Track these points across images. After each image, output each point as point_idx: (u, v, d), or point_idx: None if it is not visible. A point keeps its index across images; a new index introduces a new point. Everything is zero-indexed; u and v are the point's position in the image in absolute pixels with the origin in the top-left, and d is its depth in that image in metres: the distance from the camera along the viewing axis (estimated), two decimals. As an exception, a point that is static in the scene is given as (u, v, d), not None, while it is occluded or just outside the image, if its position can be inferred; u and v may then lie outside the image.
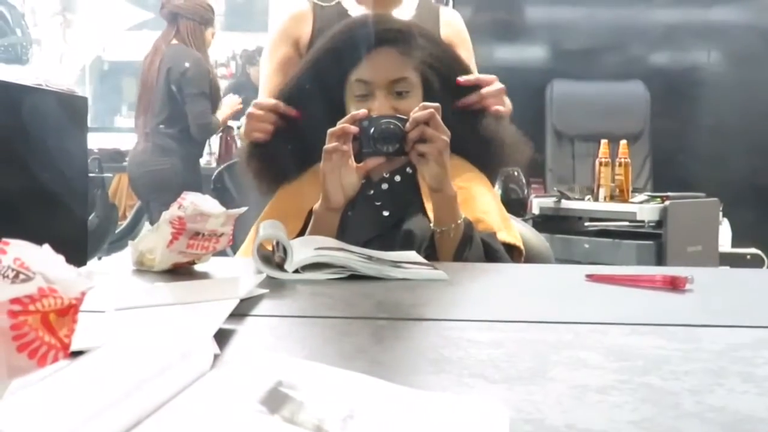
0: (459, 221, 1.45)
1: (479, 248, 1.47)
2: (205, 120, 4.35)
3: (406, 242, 1.48)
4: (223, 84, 5.52)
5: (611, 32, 5.42)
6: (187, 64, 4.33)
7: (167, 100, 4.36)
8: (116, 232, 4.76)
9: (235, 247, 1.59)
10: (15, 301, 0.55)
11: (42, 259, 0.57)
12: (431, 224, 1.49)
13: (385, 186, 1.58)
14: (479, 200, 1.60)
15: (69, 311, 0.58)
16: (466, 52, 1.87)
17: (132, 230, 4.83)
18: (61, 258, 0.58)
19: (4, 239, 0.57)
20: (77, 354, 0.58)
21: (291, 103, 1.60)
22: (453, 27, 1.93)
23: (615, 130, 4.41)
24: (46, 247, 0.58)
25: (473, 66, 1.87)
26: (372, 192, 1.57)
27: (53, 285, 0.56)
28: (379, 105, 1.50)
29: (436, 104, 1.44)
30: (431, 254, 1.44)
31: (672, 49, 5.51)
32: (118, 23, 8.77)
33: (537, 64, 5.48)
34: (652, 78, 5.25)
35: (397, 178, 1.59)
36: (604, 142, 3.63)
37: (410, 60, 1.55)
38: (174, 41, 4.42)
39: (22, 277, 0.55)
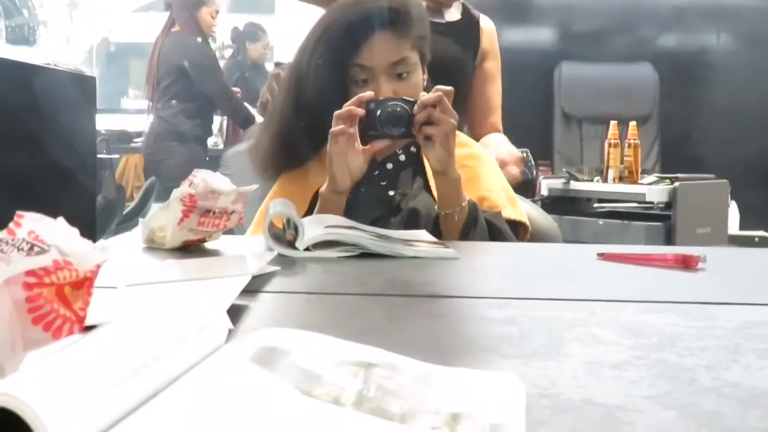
0: (464, 203, 1.45)
1: (484, 229, 1.47)
2: (228, 95, 4.45)
3: (412, 221, 1.48)
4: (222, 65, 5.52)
5: (620, 14, 5.39)
6: (185, 55, 4.41)
7: (166, 87, 4.46)
8: (124, 213, 4.77)
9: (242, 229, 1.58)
10: (30, 273, 0.55)
11: (56, 232, 0.57)
12: (436, 205, 1.48)
13: (390, 165, 1.58)
14: (484, 178, 1.59)
15: (84, 284, 0.57)
16: (495, 63, 2.06)
17: (140, 211, 4.83)
18: (75, 231, 0.58)
19: (18, 212, 0.57)
20: (91, 329, 0.58)
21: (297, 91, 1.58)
22: (491, 38, 2.13)
23: (623, 112, 4.40)
24: (61, 220, 0.58)
25: (498, 76, 2.13)
26: (377, 172, 1.57)
27: (68, 258, 0.56)
28: (381, 89, 1.48)
29: (449, 87, 1.43)
30: (436, 235, 1.43)
31: (681, 31, 5.48)
32: (124, 4, 8.76)
33: (545, 46, 5.46)
34: (661, 60, 5.23)
35: (402, 157, 1.59)
36: (613, 123, 3.62)
37: (407, 39, 1.53)
38: (175, 29, 4.49)
39: (36, 249, 0.55)
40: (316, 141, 1.53)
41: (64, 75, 1.62)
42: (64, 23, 7.90)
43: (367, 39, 1.50)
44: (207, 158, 4.71)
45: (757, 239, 3.93)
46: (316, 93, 1.53)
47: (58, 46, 7.45)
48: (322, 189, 1.46)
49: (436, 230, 1.45)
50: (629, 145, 3.55)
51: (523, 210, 1.60)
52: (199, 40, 4.46)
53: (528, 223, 1.58)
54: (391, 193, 1.56)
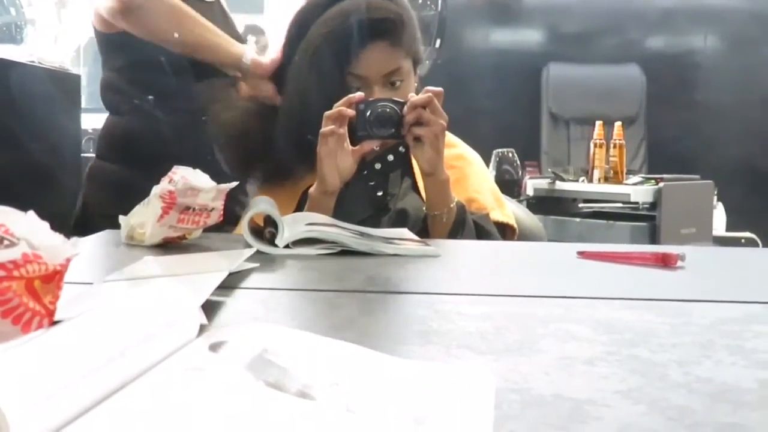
0: (452, 205, 1.45)
1: (472, 231, 1.47)
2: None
3: (400, 222, 1.48)
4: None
5: (608, 16, 5.42)
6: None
7: None
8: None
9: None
10: (-1, 266, 0.54)
11: (26, 226, 0.57)
12: (424, 207, 1.48)
13: (378, 166, 1.58)
14: (472, 180, 1.60)
15: (54, 278, 0.57)
16: None
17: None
18: (45, 224, 0.58)
19: (-13, 205, 0.57)
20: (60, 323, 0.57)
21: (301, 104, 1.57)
22: None
23: (610, 113, 4.41)
24: (31, 213, 0.58)
25: None
26: (366, 172, 1.56)
27: (38, 251, 0.56)
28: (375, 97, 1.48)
29: (439, 89, 1.42)
30: (424, 236, 1.43)
31: (668, 33, 5.51)
32: (113, 4, 8.69)
33: (533, 47, 5.47)
34: (649, 61, 5.25)
35: (390, 157, 1.59)
36: (598, 123, 3.63)
37: (401, 48, 1.53)
38: None
39: (6, 242, 0.55)
40: (311, 148, 1.52)
41: (46, 72, 1.61)
42: (52, 22, 7.86)
43: (363, 49, 1.50)
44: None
45: (743, 240, 3.95)
46: (317, 102, 1.52)
47: (45, 46, 7.42)
48: (311, 189, 1.46)
49: (425, 231, 1.46)
50: (615, 146, 3.56)
51: (510, 212, 1.60)
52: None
53: (515, 225, 1.58)
54: (380, 193, 1.55)
